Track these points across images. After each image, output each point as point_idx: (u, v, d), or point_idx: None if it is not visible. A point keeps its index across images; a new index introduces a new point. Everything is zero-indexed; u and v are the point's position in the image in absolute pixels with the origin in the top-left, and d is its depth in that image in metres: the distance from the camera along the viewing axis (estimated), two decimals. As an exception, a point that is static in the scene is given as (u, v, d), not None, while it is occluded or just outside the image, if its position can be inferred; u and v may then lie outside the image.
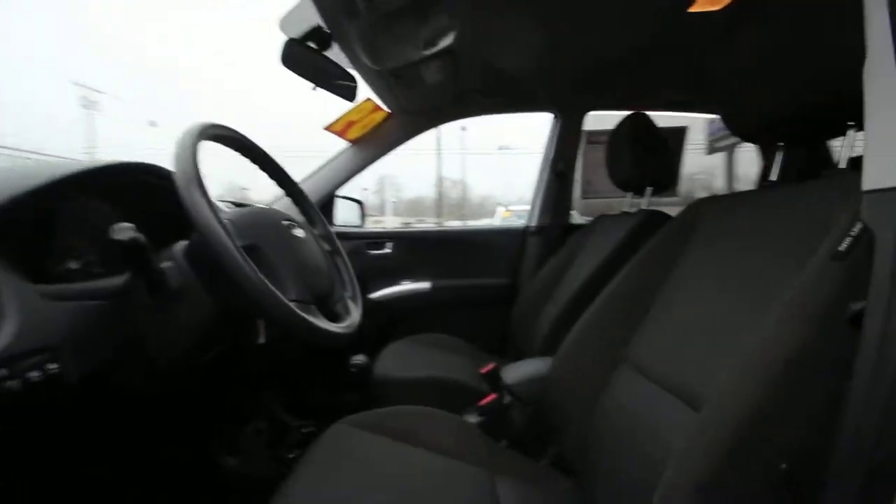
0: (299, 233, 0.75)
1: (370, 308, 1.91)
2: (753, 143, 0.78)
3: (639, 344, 0.82)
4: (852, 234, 0.48)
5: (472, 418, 1.18)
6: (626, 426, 0.74)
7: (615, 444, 0.75)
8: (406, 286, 1.92)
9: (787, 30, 0.65)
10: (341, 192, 1.92)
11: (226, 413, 1.07)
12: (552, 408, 0.95)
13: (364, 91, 1.50)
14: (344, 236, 1.91)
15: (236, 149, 0.73)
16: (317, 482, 0.72)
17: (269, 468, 1.08)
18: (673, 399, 0.66)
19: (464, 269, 1.94)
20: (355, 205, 2.13)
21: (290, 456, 1.12)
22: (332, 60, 1.13)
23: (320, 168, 1.81)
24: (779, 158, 0.79)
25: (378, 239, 1.95)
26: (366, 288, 1.91)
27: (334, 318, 0.77)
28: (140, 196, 0.73)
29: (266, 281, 0.55)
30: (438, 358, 1.47)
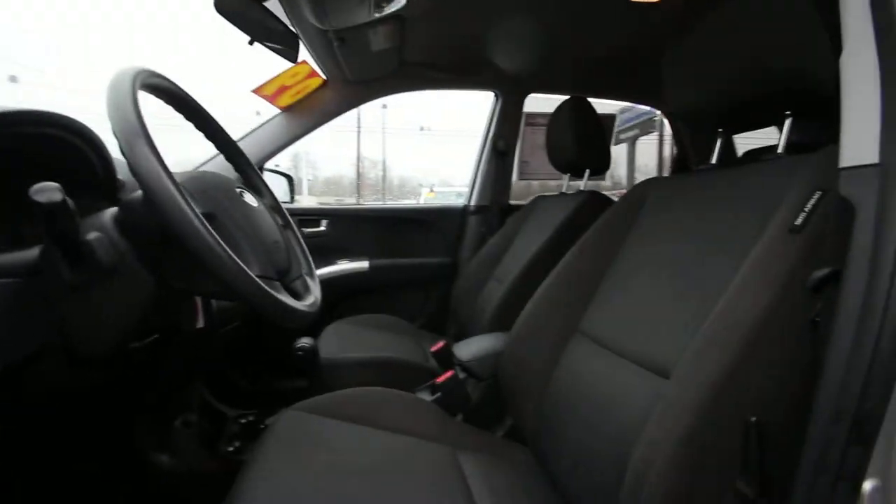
0: (251, 201, 0.67)
1: (303, 289, 1.82)
2: (697, 130, 0.84)
3: (593, 317, 0.86)
4: (806, 209, 0.53)
5: (426, 396, 1.18)
6: (584, 394, 0.77)
7: (572, 411, 0.78)
8: (343, 266, 1.84)
9: (734, 26, 0.70)
10: (269, 165, 1.78)
11: (151, 406, 0.95)
12: (507, 382, 0.97)
13: (300, 54, 1.38)
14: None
15: (174, 104, 0.63)
16: (277, 472, 0.66)
17: (209, 464, 0.98)
18: (633, 366, 0.70)
19: (403, 248, 1.90)
20: (284, 179, 1.98)
21: (230, 449, 1.02)
22: (272, 13, 1.01)
23: (244, 136, 1.65)
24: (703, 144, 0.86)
25: (312, 216, 1.84)
26: None
27: (294, 295, 0.70)
28: (50, 154, 0.60)
29: (230, 251, 0.48)
30: (382, 338, 1.43)
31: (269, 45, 1.08)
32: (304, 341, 1.11)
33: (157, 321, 0.68)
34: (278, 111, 1.64)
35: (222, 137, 0.75)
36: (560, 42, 1.46)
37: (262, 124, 1.65)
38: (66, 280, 0.50)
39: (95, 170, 0.75)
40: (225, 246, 0.48)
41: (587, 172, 1.46)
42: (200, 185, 0.55)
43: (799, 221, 0.52)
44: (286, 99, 1.59)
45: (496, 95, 1.84)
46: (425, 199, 8.30)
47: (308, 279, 0.77)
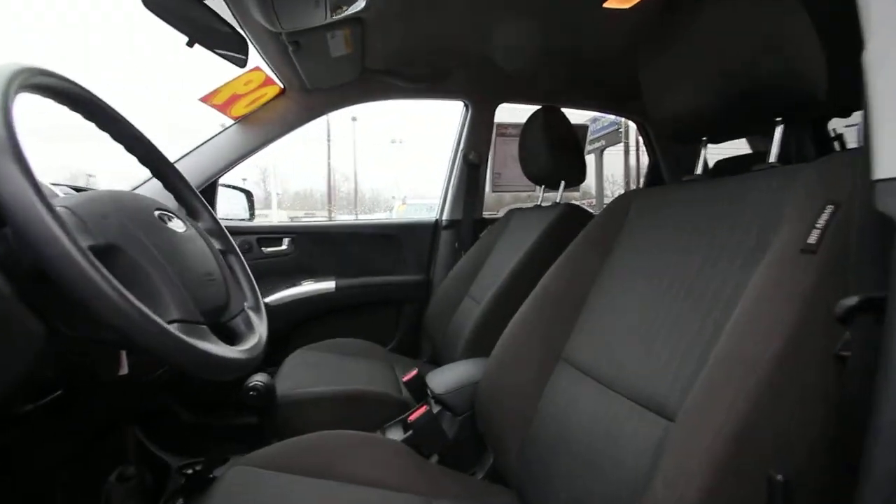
0: (178, 226, 0.55)
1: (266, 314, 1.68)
2: (679, 141, 0.79)
3: (579, 343, 0.78)
4: (818, 226, 0.47)
5: (396, 434, 1.07)
6: (573, 431, 0.69)
7: (562, 451, 0.70)
8: (307, 287, 1.71)
9: (713, 28, 0.64)
10: (225, 179, 1.65)
11: (74, 459, 0.81)
12: (487, 416, 0.88)
13: (254, 59, 1.27)
14: (231, 231, 1.64)
15: (75, 107, 0.51)
16: None
17: None
18: (628, 403, 0.62)
19: (372, 266, 1.80)
20: (242, 195, 1.85)
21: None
22: (214, 13, 0.91)
23: (196, 148, 1.52)
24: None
25: (273, 234, 1.72)
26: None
27: (233, 337, 0.59)
28: None
29: (128, 294, 0.38)
30: (349, 366, 1.32)
31: (212, 48, 0.97)
32: (258, 379, 0.99)
33: (58, 374, 0.56)
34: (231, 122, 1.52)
35: (145, 148, 0.64)
36: (531, 49, 1.41)
37: (214, 136, 1.52)
38: None
39: None
40: (118, 285, 0.37)
41: (562, 184, 1.40)
42: (100, 208, 0.44)
43: (812, 240, 0.46)
44: (240, 109, 1.47)
45: (465, 105, 1.77)
46: (397, 212, 8.20)
47: (252, 314, 0.66)
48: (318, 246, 1.75)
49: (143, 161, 0.65)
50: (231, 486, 0.70)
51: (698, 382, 0.49)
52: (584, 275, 0.83)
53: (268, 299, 1.67)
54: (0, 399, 0.46)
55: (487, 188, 1.89)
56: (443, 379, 1.00)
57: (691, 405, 0.48)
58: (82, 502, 0.85)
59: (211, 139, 1.52)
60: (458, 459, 0.93)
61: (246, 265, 0.75)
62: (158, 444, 1.12)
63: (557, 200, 1.41)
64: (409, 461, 0.84)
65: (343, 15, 1.02)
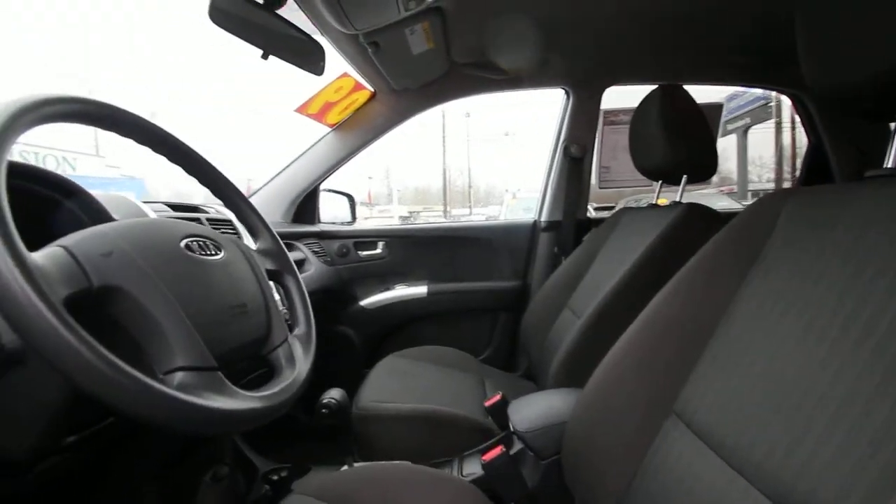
0: (211, 254, 0.52)
1: (360, 317, 1.72)
2: (858, 117, 0.54)
3: (697, 394, 0.59)
4: None
5: (474, 466, 0.97)
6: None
7: None
8: (399, 291, 1.70)
9: None
10: (327, 184, 1.71)
11: (167, 468, 0.86)
12: (575, 467, 0.73)
13: (343, 64, 1.26)
14: (330, 235, 1.70)
15: (108, 127, 0.50)
16: None
17: None
18: (760, 497, 0.43)
19: (465, 271, 1.71)
20: (344, 199, 1.91)
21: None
22: (287, 21, 0.89)
23: (297, 158, 1.59)
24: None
25: (368, 238, 1.73)
26: (354, 294, 1.70)
27: (271, 373, 0.55)
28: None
29: (98, 347, 0.33)
30: (437, 380, 1.25)
31: (289, 58, 0.96)
32: (332, 395, 0.97)
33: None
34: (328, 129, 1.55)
35: (195, 163, 0.62)
36: (643, 19, 1.17)
37: (314, 144, 1.58)
38: None
39: (81, 220, 0.67)
40: (88, 338, 0.33)
41: (684, 179, 1.15)
42: (103, 246, 0.41)
43: None
44: (334, 116, 1.50)
45: (566, 92, 1.57)
46: (508, 206, 8.04)
47: (298, 345, 0.61)
48: (410, 250, 1.72)
49: (198, 176, 0.63)
50: None
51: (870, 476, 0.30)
52: (711, 299, 0.63)
53: (363, 303, 1.69)
54: (45, 432, 0.47)
55: (593, 184, 1.67)
56: (528, 413, 0.87)
57: None
58: (179, 499, 0.90)
59: (311, 147, 1.58)
60: (540, 512, 0.79)
61: (303, 287, 0.70)
62: (250, 445, 1.18)
63: (678, 199, 1.16)
64: None
65: (419, 8, 0.94)
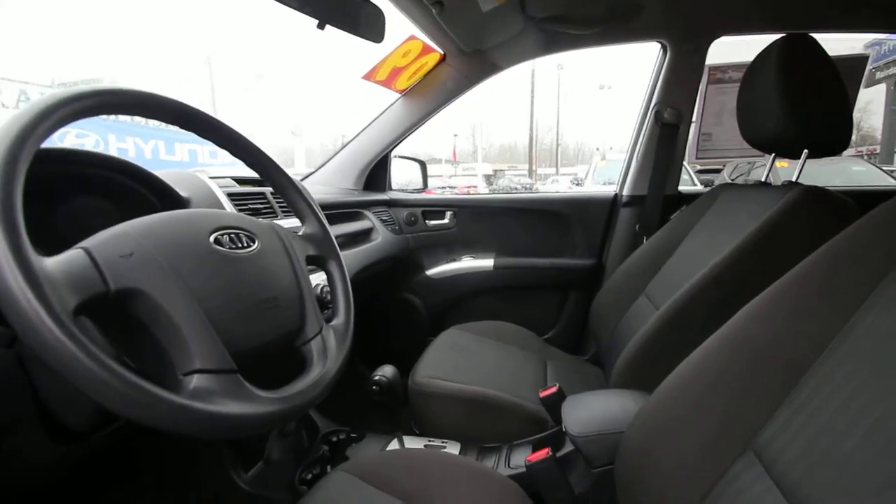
0: (242, 247, 0.52)
1: (425, 286, 1.72)
2: None
3: (784, 433, 0.48)
4: None
5: (523, 456, 0.94)
6: None
7: None
8: (465, 263, 1.67)
9: None
10: (399, 151, 1.69)
11: None
12: (630, 481, 0.66)
13: (405, 27, 1.20)
14: (399, 203, 1.70)
15: (147, 114, 0.50)
16: None
17: (280, 493, 0.94)
18: None
19: (535, 245, 1.62)
20: (416, 165, 1.89)
21: (307, 476, 0.97)
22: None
23: (368, 125, 1.58)
24: None
25: (437, 207, 1.70)
26: (421, 263, 1.70)
27: (302, 366, 0.55)
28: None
29: (106, 360, 0.33)
30: (497, 358, 1.21)
31: (347, 27, 0.91)
32: (382, 373, 0.97)
33: None
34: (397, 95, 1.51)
35: (247, 150, 0.62)
36: None
37: (383, 111, 1.55)
38: None
39: (152, 204, 0.72)
40: (94, 350, 0.33)
41: (804, 154, 0.94)
42: (124, 246, 0.40)
43: None
44: (403, 82, 1.44)
45: (662, 46, 1.35)
46: (596, 169, 7.52)
47: (332, 337, 0.60)
48: (478, 221, 1.66)
49: (242, 157, 0.63)
50: (327, 494, 0.69)
51: None
52: (821, 318, 0.50)
53: (429, 272, 1.69)
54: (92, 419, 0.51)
55: (688, 154, 1.45)
56: (582, 416, 0.80)
57: None
58: (249, 447, 0.98)
59: (381, 115, 1.56)
60: (586, 522, 0.75)
61: (346, 275, 0.69)
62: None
63: (794, 179, 0.96)
64: None
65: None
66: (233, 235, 0.52)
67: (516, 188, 18.39)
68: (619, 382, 0.93)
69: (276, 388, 0.49)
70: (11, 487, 0.51)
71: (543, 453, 0.78)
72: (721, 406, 0.55)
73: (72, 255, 0.37)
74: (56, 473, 0.57)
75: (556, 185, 16.80)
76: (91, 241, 0.39)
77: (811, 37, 0.90)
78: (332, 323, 0.63)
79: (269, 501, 0.93)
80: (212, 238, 0.49)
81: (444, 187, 14.32)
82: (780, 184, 0.98)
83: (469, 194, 2.47)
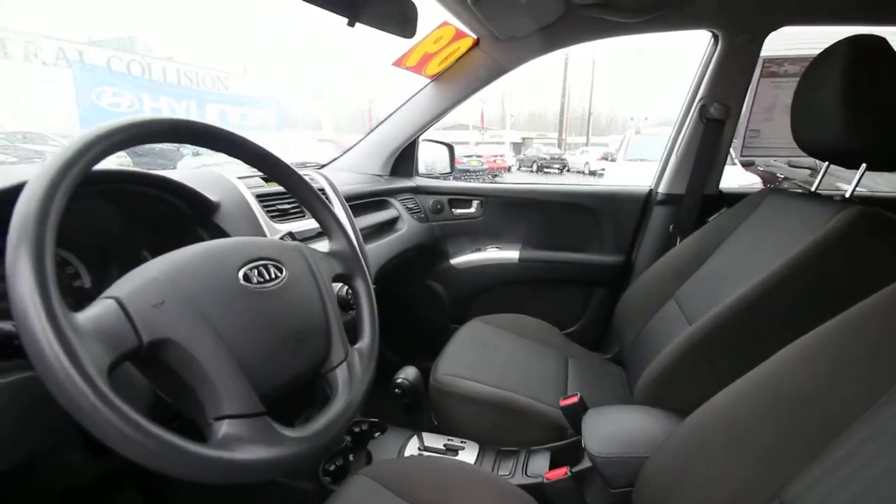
0: (276, 280, 0.51)
1: (450, 275, 1.72)
2: None
3: (819, 487, 0.47)
4: None
5: (541, 464, 0.95)
6: None
7: None
8: (490, 254, 1.65)
9: None
10: (427, 136, 1.66)
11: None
12: None
13: (438, 13, 1.14)
14: (425, 191, 1.68)
15: (177, 139, 0.50)
16: None
17: (304, 483, 0.98)
18: None
19: (562, 239, 1.59)
20: (444, 148, 1.85)
21: (330, 468, 1.01)
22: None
23: (396, 110, 1.54)
24: None
25: (464, 195, 1.67)
26: (446, 251, 1.69)
27: (326, 397, 0.56)
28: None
29: (138, 419, 0.34)
30: (517, 355, 1.21)
31: (376, 21, 0.87)
32: (404, 375, 0.98)
33: None
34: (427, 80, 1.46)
35: (271, 163, 0.61)
36: None
37: (412, 96, 1.51)
38: None
39: (185, 214, 0.72)
40: (128, 412, 0.34)
41: (863, 168, 0.87)
42: (156, 294, 0.41)
43: None
44: (433, 67, 1.39)
45: (714, 36, 1.25)
46: (630, 142, 7.23)
47: (357, 361, 0.60)
48: (505, 211, 1.63)
49: (278, 180, 0.63)
50: (350, 498, 0.71)
51: None
52: (874, 365, 0.47)
53: (453, 261, 1.68)
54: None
55: (734, 152, 1.37)
56: (603, 434, 0.79)
57: None
58: None
59: (410, 100, 1.52)
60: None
61: (372, 293, 0.69)
62: None
63: (847, 195, 0.89)
64: None
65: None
66: (261, 268, 0.52)
67: (544, 158, 17.92)
68: (644, 398, 0.92)
69: (299, 414, 0.50)
70: (56, 495, 0.54)
71: (562, 473, 0.79)
72: (756, 455, 0.53)
73: (104, 309, 0.38)
74: (95, 480, 0.60)
75: (585, 157, 16.29)
76: (122, 290, 0.40)
77: (883, 38, 0.81)
78: (357, 346, 0.63)
79: (295, 490, 0.97)
80: (240, 274, 0.49)
81: (469, 155, 14.08)
82: (835, 198, 0.91)
83: (497, 167, 2.40)
